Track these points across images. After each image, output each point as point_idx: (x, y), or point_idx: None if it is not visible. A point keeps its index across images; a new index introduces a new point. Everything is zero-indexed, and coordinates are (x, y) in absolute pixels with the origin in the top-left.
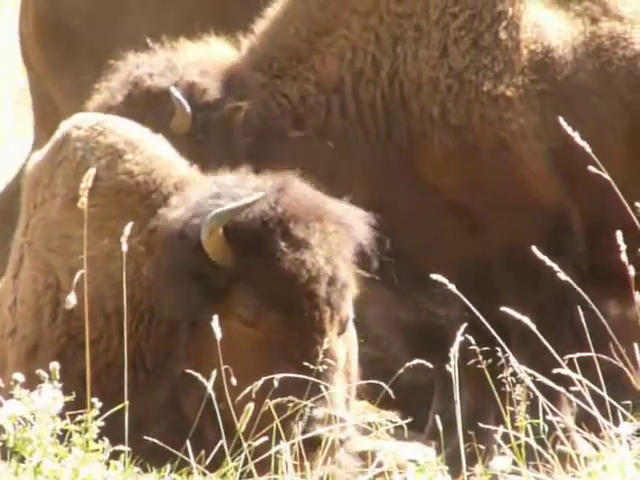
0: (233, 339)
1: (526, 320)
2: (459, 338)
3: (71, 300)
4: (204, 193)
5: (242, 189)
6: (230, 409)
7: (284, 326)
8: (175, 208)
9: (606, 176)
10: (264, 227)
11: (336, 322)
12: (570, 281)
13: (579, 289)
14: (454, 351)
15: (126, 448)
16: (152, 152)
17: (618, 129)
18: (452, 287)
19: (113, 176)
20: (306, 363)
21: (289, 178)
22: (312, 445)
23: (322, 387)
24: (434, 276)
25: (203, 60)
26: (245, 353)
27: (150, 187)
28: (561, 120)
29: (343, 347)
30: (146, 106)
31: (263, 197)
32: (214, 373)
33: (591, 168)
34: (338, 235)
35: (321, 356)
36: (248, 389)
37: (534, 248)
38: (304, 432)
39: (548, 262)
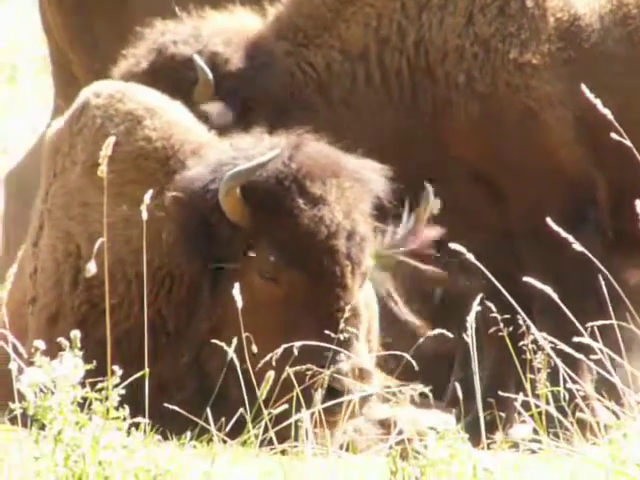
0: (255, 297)
1: (547, 289)
2: (475, 308)
3: (91, 268)
4: (221, 155)
5: (258, 149)
6: (252, 370)
7: (305, 282)
8: (192, 170)
9: (628, 143)
10: (279, 185)
11: (357, 276)
12: (586, 252)
13: (595, 259)
14: (471, 320)
15: (145, 420)
16: (171, 118)
17: None
18: (470, 256)
19: (132, 142)
20: (328, 318)
21: (303, 136)
22: (336, 398)
23: (346, 339)
24: (452, 245)
25: (228, 29)
26: (267, 310)
27: (168, 152)
28: (583, 87)
29: (364, 307)
30: (169, 73)
31: (278, 155)
32: (236, 338)
33: (613, 135)
34: (355, 190)
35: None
36: (269, 356)
37: (548, 220)
38: (329, 385)
39: (563, 234)
